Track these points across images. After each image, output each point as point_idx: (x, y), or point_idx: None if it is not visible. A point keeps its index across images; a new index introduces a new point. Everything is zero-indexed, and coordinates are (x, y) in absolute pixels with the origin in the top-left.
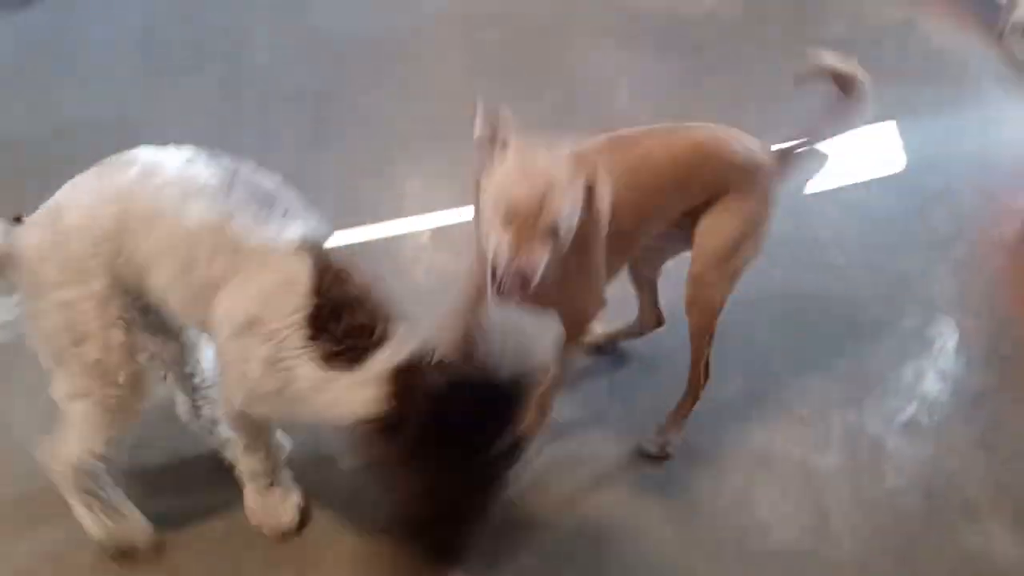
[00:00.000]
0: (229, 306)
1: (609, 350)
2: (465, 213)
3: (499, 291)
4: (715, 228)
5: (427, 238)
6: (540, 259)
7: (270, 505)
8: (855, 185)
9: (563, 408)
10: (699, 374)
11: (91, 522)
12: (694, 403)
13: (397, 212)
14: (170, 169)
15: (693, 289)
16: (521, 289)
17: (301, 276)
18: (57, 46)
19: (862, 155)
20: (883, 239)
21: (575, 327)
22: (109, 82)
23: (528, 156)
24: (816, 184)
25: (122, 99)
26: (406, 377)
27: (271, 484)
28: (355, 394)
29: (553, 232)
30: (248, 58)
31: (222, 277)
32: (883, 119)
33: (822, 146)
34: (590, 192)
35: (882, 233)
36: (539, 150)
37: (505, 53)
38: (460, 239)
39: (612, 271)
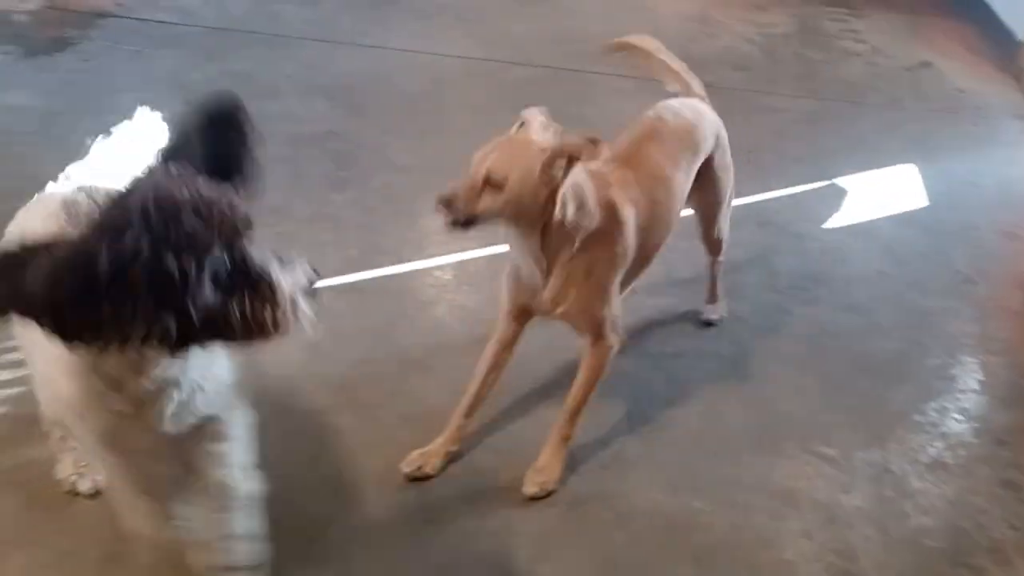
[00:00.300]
0: None
1: None
2: (486, 252)
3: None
4: (715, 192)
5: (449, 276)
6: (468, 201)
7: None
8: (876, 222)
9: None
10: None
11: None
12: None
13: (419, 251)
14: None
15: (710, 239)
16: (455, 222)
17: None
18: (87, 90)
19: (884, 193)
20: (905, 277)
21: (599, 345)
22: None
23: (507, 135)
24: (837, 220)
25: None
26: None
27: None
28: None
29: (488, 183)
30: (273, 101)
31: None
32: (904, 158)
33: (842, 182)
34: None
35: (904, 271)
36: (521, 131)
37: (526, 95)
38: (481, 277)
39: (630, 281)
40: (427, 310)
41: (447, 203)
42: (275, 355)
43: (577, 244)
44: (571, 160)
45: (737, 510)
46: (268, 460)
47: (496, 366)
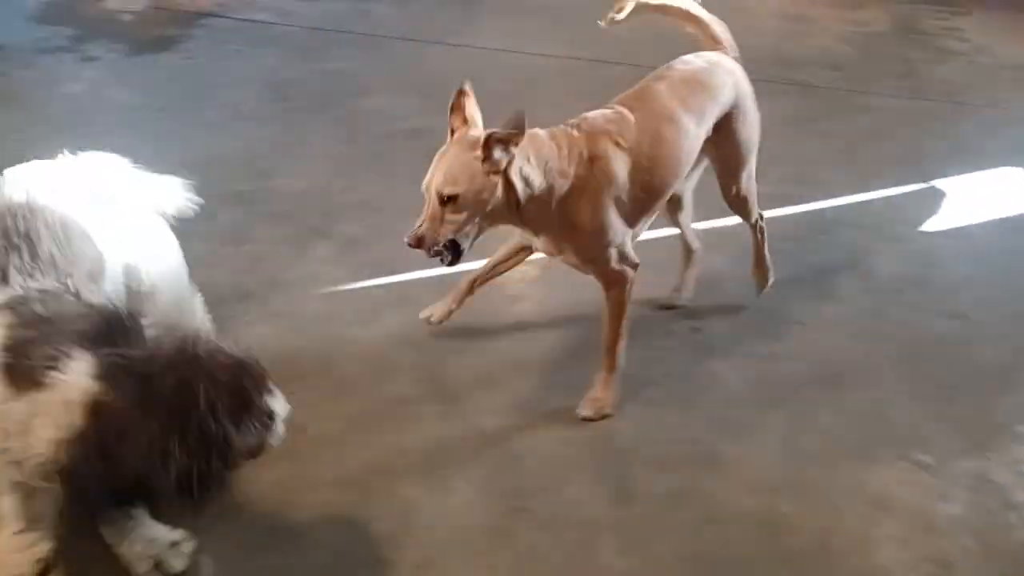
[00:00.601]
0: None
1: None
2: None
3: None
4: (733, 145)
5: (535, 272)
6: (435, 226)
7: (9, 548)
8: (978, 227)
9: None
10: (759, 229)
11: None
12: (765, 249)
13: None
14: None
15: (731, 195)
16: (427, 250)
17: None
18: (189, 87)
19: (986, 196)
20: (1008, 283)
21: (610, 281)
22: (237, 120)
23: (446, 146)
24: (936, 224)
25: (249, 136)
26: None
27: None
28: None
29: (448, 201)
30: (367, 99)
31: None
32: (1008, 160)
33: (941, 184)
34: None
35: (1007, 277)
36: (459, 139)
37: (616, 94)
38: (566, 275)
39: (640, 217)
40: (513, 305)
41: (418, 241)
42: (364, 343)
43: (554, 204)
44: (508, 143)
45: (829, 514)
46: (357, 444)
47: (513, 253)
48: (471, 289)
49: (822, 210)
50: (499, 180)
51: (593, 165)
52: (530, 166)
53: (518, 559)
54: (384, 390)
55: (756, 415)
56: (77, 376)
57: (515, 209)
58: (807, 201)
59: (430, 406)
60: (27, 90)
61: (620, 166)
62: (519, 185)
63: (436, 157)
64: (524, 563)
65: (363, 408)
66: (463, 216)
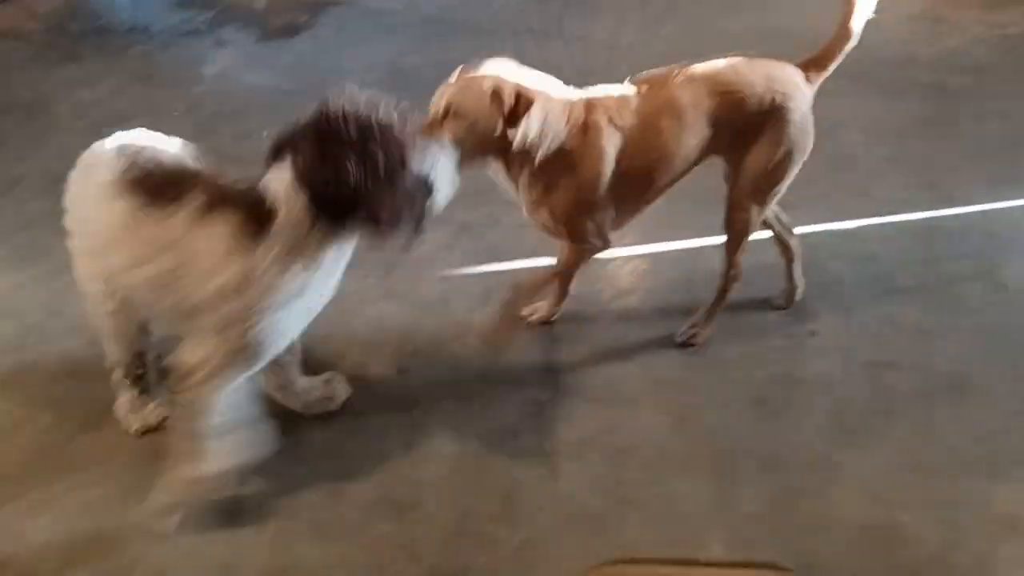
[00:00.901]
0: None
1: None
2: (681, 244)
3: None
4: (751, 163)
5: (646, 266)
6: (433, 130)
7: (136, 407)
8: None
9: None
10: (729, 279)
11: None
12: (722, 303)
13: (618, 238)
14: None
15: (731, 212)
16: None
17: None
18: (316, 72)
19: None
20: None
21: (576, 241)
22: None
23: (474, 74)
24: None
25: None
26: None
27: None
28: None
29: (447, 114)
30: None
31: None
32: None
33: None
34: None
35: None
36: (488, 73)
37: None
38: (675, 269)
39: (630, 210)
40: (622, 297)
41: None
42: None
43: (536, 162)
44: (522, 98)
45: (950, 529)
46: (469, 422)
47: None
48: (565, 288)
49: (951, 217)
50: (501, 123)
51: (585, 135)
52: (534, 124)
53: (622, 550)
54: (495, 374)
55: (872, 422)
56: (278, 178)
57: (503, 152)
58: (936, 207)
59: (540, 391)
60: (166, 71)
61: (611, 142)
62: (517, 136)
63: (457, 72)
64: (627, 555)
65: (475, 389)
66: (458, 135)
